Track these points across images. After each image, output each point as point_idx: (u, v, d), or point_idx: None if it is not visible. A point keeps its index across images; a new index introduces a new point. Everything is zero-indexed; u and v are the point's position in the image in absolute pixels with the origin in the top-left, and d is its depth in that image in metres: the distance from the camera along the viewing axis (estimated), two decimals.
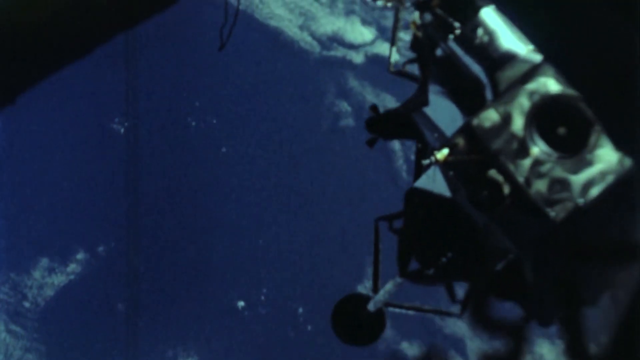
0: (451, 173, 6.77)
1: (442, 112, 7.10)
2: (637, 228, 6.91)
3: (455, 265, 7.10)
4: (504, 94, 6.72)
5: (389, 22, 9.90)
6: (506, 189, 6.54)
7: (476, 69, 6.97)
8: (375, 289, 7.84)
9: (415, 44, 7.64)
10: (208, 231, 9.43)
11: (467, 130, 6.75)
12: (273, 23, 9.94)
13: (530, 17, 6.97)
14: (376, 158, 9.52)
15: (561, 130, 6.61)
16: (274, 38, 9.93)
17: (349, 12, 9.93)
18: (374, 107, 8.55)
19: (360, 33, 9.88)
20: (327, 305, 9.12)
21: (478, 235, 6.85)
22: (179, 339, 9.27)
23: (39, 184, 9.45)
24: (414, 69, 8.29)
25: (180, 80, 9.77)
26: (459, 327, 8.98)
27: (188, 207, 9.48)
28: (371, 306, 7.79)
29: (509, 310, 8.67)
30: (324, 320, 9.09)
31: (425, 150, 7.50)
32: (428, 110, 7.25)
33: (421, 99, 7.21)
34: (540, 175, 6.44)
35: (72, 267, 9.36)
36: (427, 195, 7.04)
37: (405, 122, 7.69)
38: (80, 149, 9.53)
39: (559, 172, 6.48)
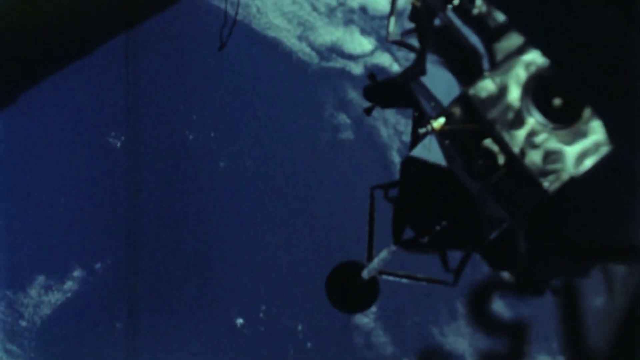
0: (447, 142, 6.93)
1: (440, 81, 7.23)
2: (636, 226, 6.96)
3: (450, 234, 7.20)
4: (500, 65, 6.89)
5: None
6: (501, 159, 6.67)
7: (474, 39, 7.08)
8: (370, 257, 7.88)
9: (414, 14, 7.68)
10: (206, 247, 9.34)
11: (463, 99, 6.94)
12: (271, 33, 9.82)
13: (530, 17, 6.97)
14: (376, 172, 9.42)
15: (557, 102, 6.66)
16: (272, 49, 9.80)
17: (348, 22, 9.80)
18: (371, 75, 8.54)
19: (360, 43, 9.75)
20: (326, 322, 9.04)
21: (472, 205, 6.95)
22: (177, 357, 9.19)
23: (35, 200, 9.38)
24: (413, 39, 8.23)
25: (177, 93, 9.66)
26: (460, 342, 8.91)
27: (186, 223, 9.39)
28: (365, 274, 7.84)
29: (509, 310, 8.65)
30: (324, 337, 9.01)
31: (422, 119, 7.57)
32: (425, 79, 7.37)
33: (419, 69, 7.31)
34: (535, 146, 6.63)
35: (69, 284, 9.29)
36: (422, 164, 7.16)
37: (403, 91, 7.72)
38: (76, 164, 9.44)
39: (553, 143, 6.66)
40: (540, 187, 6.57)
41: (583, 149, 6.58)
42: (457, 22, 7.09)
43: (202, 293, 9.27)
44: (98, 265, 9.31)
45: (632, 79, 6.58)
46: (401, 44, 8.29)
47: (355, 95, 9.62)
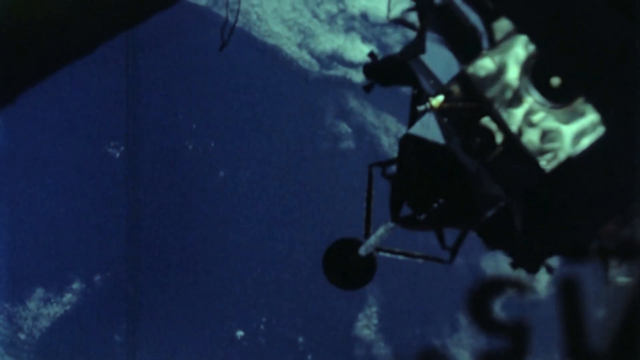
0: (445, 120, 6.97)
1: (439, 60, 7.31)
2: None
3: (447, 212, 7.23)
4: (500, 44, 6.94)
5: (389, 39, 9.69)
6: (499, 137, 6.74)
7: (474, 18, 7.10)
8: (367, 234, 7.90)
9: None
10: (206, 259, 9.28)
11: (462, 78, 7.04)
12: (271, 41, 9.74)
13: (530, 16, 6.98)
14: (377, 182, 9.30)
15: (555, 81, 6.69)
16: (272, 56, 9.72)
17: (348, 29, 9.71)
18: (371, 54, 8.53)
19: (361, 51, 9.66)
20: (327, 334, 8.98)
21: (470, 182, 7.00)
22: None
23: (34, 212, 9.32)
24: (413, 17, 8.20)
25: (176, 102, 9.58)
26: (461, 354, 8.85)
27: (186, 233, 9.32)
28: (362, 251, 7.86)
29: (508, 310, 8.60)
30: (325, 350, 8.95)
31: (421, 97, 7.62)
32: (425, 57, 7.42)
33: (419, 47, 7.35)
34: (533, 125, 6.72)
35: (68, 297, 9.23)
36: (420, 142, 7.20)
37: (403, 69, 7.75)
38: (75, 174, 9.38)
39: (550, 122, 6.73)
40: (537, 166, 6.65)
41: (580, 128, 6.69)
42: (457, 0, 7.13)
43: (202, 305, 9.21)
44: (97, 278, 9.26)
45: (632, 79, 6.60)
46: (401, 22, 8.28)
47: (356, 104, 9.53)
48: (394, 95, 8.93)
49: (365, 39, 9.78)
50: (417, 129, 7.26)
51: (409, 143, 7.41)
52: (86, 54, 9.43)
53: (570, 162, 6.69)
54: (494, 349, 8.72)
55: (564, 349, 8.39)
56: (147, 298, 9.22)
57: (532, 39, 6.89)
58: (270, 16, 9.76)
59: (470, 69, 6.90)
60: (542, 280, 8.95)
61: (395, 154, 9.31)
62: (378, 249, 8.05)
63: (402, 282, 9.09)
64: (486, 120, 6.81)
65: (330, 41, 9.72)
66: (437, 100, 6.94)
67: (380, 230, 7.93)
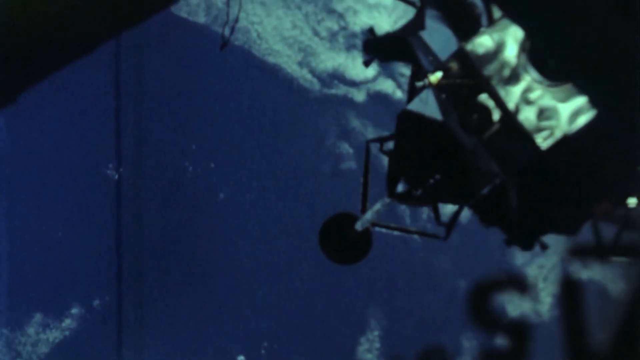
0: (443, 96, 7.01)
1: (438, 36, 7.37)
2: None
3: (443, 187, 7.26)
4: (498, 21, 6.95)
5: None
6: (496, 114, 6.80)
7: None
8: (364, 209, 7.92)
9: None
10: (206, 282, 9.19)
11: (461, 55, 7.13)
12: (271, 59, 9.63)
13: (531, 17, 6.97)
14: (378, 201, 9.20)
15: (551, 62, 6.73)
16: (273, 75, 9.61)
17: (350, 47, 9.60)
18: (371, 30, 8.52)
19: (362, 69, 9.54)
20: (329, 359, 8.89)
21: (466, 159, 7.03)
22: None
23: (32, 236, 9.25)
24: None
25: (175, 122, 9.48)
26: None
27: (186, 257, 9.24)
28: (359, 225, 7.87)
29: (508, 310, 8.54)
30: None
31: (420, 74, 7.65)
32: (424, 34, 7.46)
33: (418, 23, 7.39)
34: (530, 102, 6.78)
35: (67, 322, 9.15)
36: (418, 118, 7.23)
37: (402, 46, 7.76)
38: (73, 197, 9.30)
39: (547, 100, 6.80)
40: (533, 143, 6.72)
41: (577, 106, 6.77)
42: None
43: (203, 329, 9.12)
44: (96, 302, 9.18)
45: (632, 79, 6.61)
46: None
47: (357, 124, 9.42)
48: (395, 114, 8.81)
49: (366, 58, 9.66)
50: (415, 105, 7.35)
51: (406, 119, 7.48)
52: (86, 55, 9.34)
53: (566, 140, 6.76)
54: (494, 350, 8.66)
55: (566, 350, 8.38)
56: (147, 322, 9.14)
57: (531, 38, 6.89)
58: (271, 34, 9.66)
59: (469, 46, 7.04)
60: (545, 303, 8.87)
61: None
62: (374, 224, 8.08)
63: (405, 305, 9.00)
64: (484, 98, 6.96)
65: (331, 59, 9.62)
66: (436, 76, 7.07)
67: (377, 206, 7.97)
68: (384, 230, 8.30)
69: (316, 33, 9.66)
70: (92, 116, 9.43)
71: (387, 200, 7.76)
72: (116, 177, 9.35)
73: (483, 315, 8.62)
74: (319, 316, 9.00)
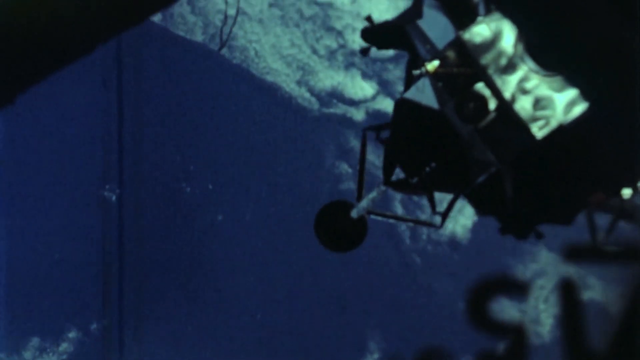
0: (440, 85, 7.02)
1: (435, 25, 7.33)
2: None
3: (439, 176, 7.22)
4: (496, 11, 6.92)
5: (390, 75, 9.52)
6: (492, 104, 6.79)
7: None
8: (359, 197, 7.88)
9: None
10: (205, 304, 9.15)
11: (457, 43, 7.07)
12: (270, 78, 9.56)
13: (530, 17, 6.93)
14: (379, 223, 9.13)
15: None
16: (271, 94, 9.55)
17: (349, 65, 9.53)
18: (368, 18, 8.48)
19: (361, 88, 9.49)
20: None
21: (462, 148, 7.00)
22: None
23: (28, 259, 9.20)
24: None
25: (173, 143, 9.42)
26: None
27: (184, 279, 9.21)
28: (354, 213, 7.81)
29: (508, 310, 8.51)
30: None
31: (416, 62, 7.64)
32: (421, 22, 7.41)
33: (415, 12, 7.35)
34: (526, 92, 6.75)
35: (64, 346, 9.13)
36: (415, 106, 7.22)
37: (399, 34, 7.75)
38: (70, 219, 9.25)
39: (544, 90, 6.78)
40: (529, 133, 6.73)
41: (573, 97, 6.72)
42: None
43: (202, 349, 9.08)
44: (93, 326, 9.14)
45: (632, 79, 6.57)
46: None
47: (356, 143, 9.35)
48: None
49: (365, 76, 9.61)
50: (411, 94, 7.32)
51: (403, 107, 7.46)
52: (86, 55, 9.25)
53: (562, 130, 6.75)
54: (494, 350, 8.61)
55: (564, 350, 8.37)
56: (145, 347, 9.09)
57: (529, 37, 6.87)
58: (269, 52, 9.59)
59: (466, 35, 6.99)
60: (546, 324, 8.82)
61: (396, 195, 9.20)
62: (370, 212, 8.04)
63: (405, 328, 8.94)
64: (480, 86, 6.89)
65: (330, 78, 9.55)
66: (433, 65, 7.04)
67: (373, 193, 7.91)
68: (379, 218, 8.30)
69: (315, 51, 9.59)
70: (89, 140, 9.38)
71: (382, 188, 7.76)
72: (114, 198, 9.30)
73: (482, 320, 8.59)
74: (319, 338, 8.94)
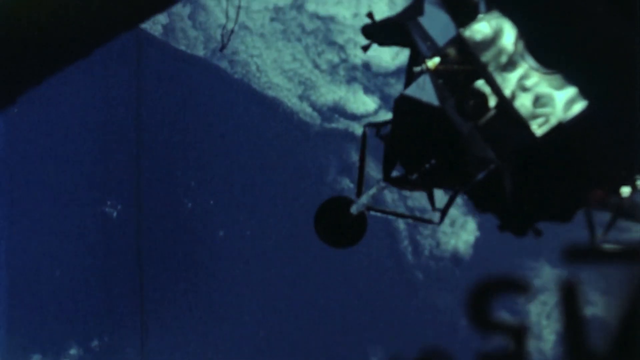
0: (440, 82, 7.12)
1: (436, 22, 7.51)
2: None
3: (438, 172, 7.35)
4: (497, 9, 7.00)
5: (393, 90, 9.49)
6: (492, 101, 6.89)
7: None
8: (359, 193, 7.96)
9: None
10: (206, 323, 9.10)
11: (458, 41, 7.28)
12: (271, 93, 9.53)
13: (530, 17, 7.00)
14: (381, 238, 9.13)
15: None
16: (273, 109, 9.52)
17: (350, 80, 9.50)
18: (370, 15, 8.54)
19: (363, 102, 9.46)
20: None
21: (462, 144, 7.11)
22: None
23: (30, 276, 9.16)
24: None
25: (175, 159, 9.38)
26: None
27: (185, 296, 9.14)
28: (354, 209, 7.88)
29: (508, 310, 8.48)
30: None
31: (417, 59, 7.75)
32: (422, 19, 7.54)
33: (417, 9, 7.46)
34: (526, 89, 6.90)
35: None
36: (415, 103, 7.34)
37: (400, 31, 7.84)
38: (71, 235, 9.22)
39: (543, 87, 6.89)
40: (528, 130, 6.79)
41: (573, 94, 6.72)
42: None
43: None
44: (95, 343, 9.10)
45: (632, 79, 6.61)
46: None
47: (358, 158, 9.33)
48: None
49: (367, 90, 9.57)
50: (412, 90, 7.45)
51: (403, 104, 7.55)
52: (86, 55, 9.26)
53: (561, 128, 6.83)
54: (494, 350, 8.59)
55: (565, 350, 8.36)
56: None
57: (529, 35, 6.95)
58: (270, 67, 9.56)
59: (467, 33, 7.18)
60: (548, 340, 8.79)
61: (398, 210, 9.17)
62: (369, 208, 8.09)
63: (406, 343, 8.92)
64: (480, 84, 7.08)
65: (331, 92, 9.52)
66: (433, 62, 7.21)
67: (372, 190, 7.97)
68: (378, 214, 8.31)
69: (316, 66, 9.56)
70: (89, 156, 9.35)
71: (382, 184, 7.83)
72: (115, 214, 9.27)
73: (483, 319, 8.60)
74: (320, 354, 8.91)
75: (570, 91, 6.71)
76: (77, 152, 9.39)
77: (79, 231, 9.23)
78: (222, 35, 9.32)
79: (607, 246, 7.46)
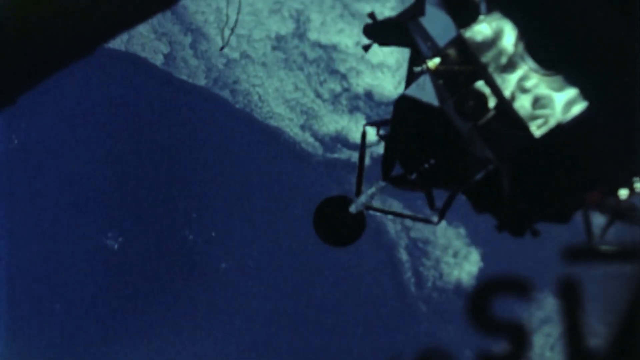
0: (440, 82, 7.16)
1: (437, 23, 7.60)
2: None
3: (437, 172, 7.37)
4: (497, 10, 7.00)
5: None
6: (491, 102, 6.90)
7: None
8: (358, 192, 7.95)
9: None
10: (209, 355, 9.03)
11: (459, 41, 7.35)
12: (273, 123, 9.49)
13: (530, 18, 7.00)
14: (384, 270, 9.07)
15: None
16: (275, 139, 9.47)
17: (353, 109, 9.45)
18: (371, 14, 8.55)
19: (369, 136, 9.40)
20: None
21: (461, 144, 7.12)
22: None
23: (31, 308, 9.11)
24: None
25: (176, 189, 9.33)
26: None
27: (187, 331, 9.08)
28: (353, 208, 7.87)
29: (508, 310, 8.41)
30: None
31: (418, 59, 7.77)
32: (423, 20, 7.57)
33: (418, 9, 7.49)
34: (525, 90, 6.91)
35: None
36: (415, 103, 7.36)
37: (401, 31, 7.85)
38: (71, 268, 9.17)
39: (543, 89, 6.91)
40: (527, 131, 6.81)
41: (572, 96, 6.69)
42: None
43: None
44: None
45: (632, 79, 6.61)
46: None
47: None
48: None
49: (370, 119, 9.52)
50: (412, 90, 7.49)
51: (403, 104, 7.57)
52: (85, 55, 9.23)
53: (560, 129, 6.85)
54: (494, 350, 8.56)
55: (564, 349, 8.35)
56: None
57: (529, 36, 6.94)
58: (272, 96, 9.52)
59: (468, 34, 7.22)
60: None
61: (401, 242, 9.12)
62: (368, 207, 8.08)
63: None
64: (480, 84, 7.09)
65: (334, 122, 9.47)
66: (434, 62, 7.24)
67: (372, 189, 7.96)
68: (377, 213, 8.30)
69: (318, 95, 9.52)
70: (90, 186, 9.31)
71: (381, 183, 7.84)
72: (116, 246, 9.22)
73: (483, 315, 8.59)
74: None
75: (570, 93, 6.75)
76: (76, 186, 9.36)
77: (79, 264, 9.18)
78: (222, 35, 9.29)
79: (605, 247, 7.48)
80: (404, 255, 9.10)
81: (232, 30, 9.30)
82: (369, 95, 9.49)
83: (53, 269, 9.16)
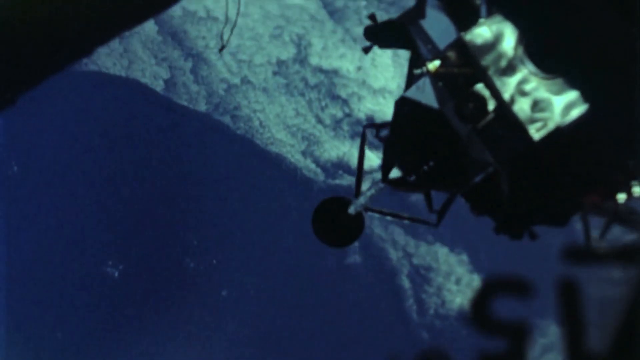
0: (440, 84, 7.04)
1: (437, 25, 7.41)
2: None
3: (436, 174, 7.20)
4: (497, 13, 6.95)
5: None
6: (491, 104, 6.81)
7: None
8: (357, 193, 7.82)
9: None
10: None
11: (459, 44, 7.15)
12: (274, 149, 9.44)
13: (530, 21, 6.90)
14: (385, 297, 9.00)
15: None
16: (276, 166, 9.41)
17: (354, 135, 9.40)
18: (372, 16, 8.43)
19: (367, 158, 9.31)
20: None
21: (460, 147, 6.98)
22: None
23: (31, 336, 9.03)
24: None
25: (175, 215, 9.27)
26: None
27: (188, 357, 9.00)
28: (352, 209, 7.74)
29: (509, 310, 8.37)
30: None
31: (418, 61, 7.65)
32: (424, 22, 7.44)
33: (418, 12, 7.36)
34: (524, 94, 6.78)
35: None
36: (415, 105, 7.23)
37: (401, 33, 7.74)
38: (71, 298, 9.09)
39: (542, 92, 6.83)
40: (526, 134, 6.79)
41: (571, 99, 6.76)
42: None
43: None
44: None
45: (632, 79, 6.53)
46: None
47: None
48: (401, 207, 8.61)
49: (372, 145, 9.44)
50: (412, 93, 7.37)
51: (403, 106, 7.48)
52: (86, 55, 9.17)
53: (559, 132, 6.78)
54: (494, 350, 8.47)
55: (564, 350, 8.25)
56: None
57: (529, 39, 6.85)
58: (273, 122, 9.47)
59: (468, 36, 7.10)
60: None
61: (403, 269, 9.05)
62: (367, 209, 7.99)
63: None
64: (480, 87, 6.97)
65: (335, 148, 9.42)
66: (434, 64, 7.10)
67: (370, 190, 7.86)
68: (376, 214, 8.23)
69: (320, 120, 9.47)
70: (90, 215, 9.25)
71: (380, 185, 7.73)
72: (116, 274, 9.16)
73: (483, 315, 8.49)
74: None
75: (569, 96, 6.74)
76: (75, 216, 9.30)
77: (79, 292, 9.12)
78: (222, 37, 9.24)
79: (603, 249, 7.42)
80: (405, 282, 9.04)
81: (231, 32, 9.25)
82: (370, 120, 9.44)
83: (54, 298, 9.10)
